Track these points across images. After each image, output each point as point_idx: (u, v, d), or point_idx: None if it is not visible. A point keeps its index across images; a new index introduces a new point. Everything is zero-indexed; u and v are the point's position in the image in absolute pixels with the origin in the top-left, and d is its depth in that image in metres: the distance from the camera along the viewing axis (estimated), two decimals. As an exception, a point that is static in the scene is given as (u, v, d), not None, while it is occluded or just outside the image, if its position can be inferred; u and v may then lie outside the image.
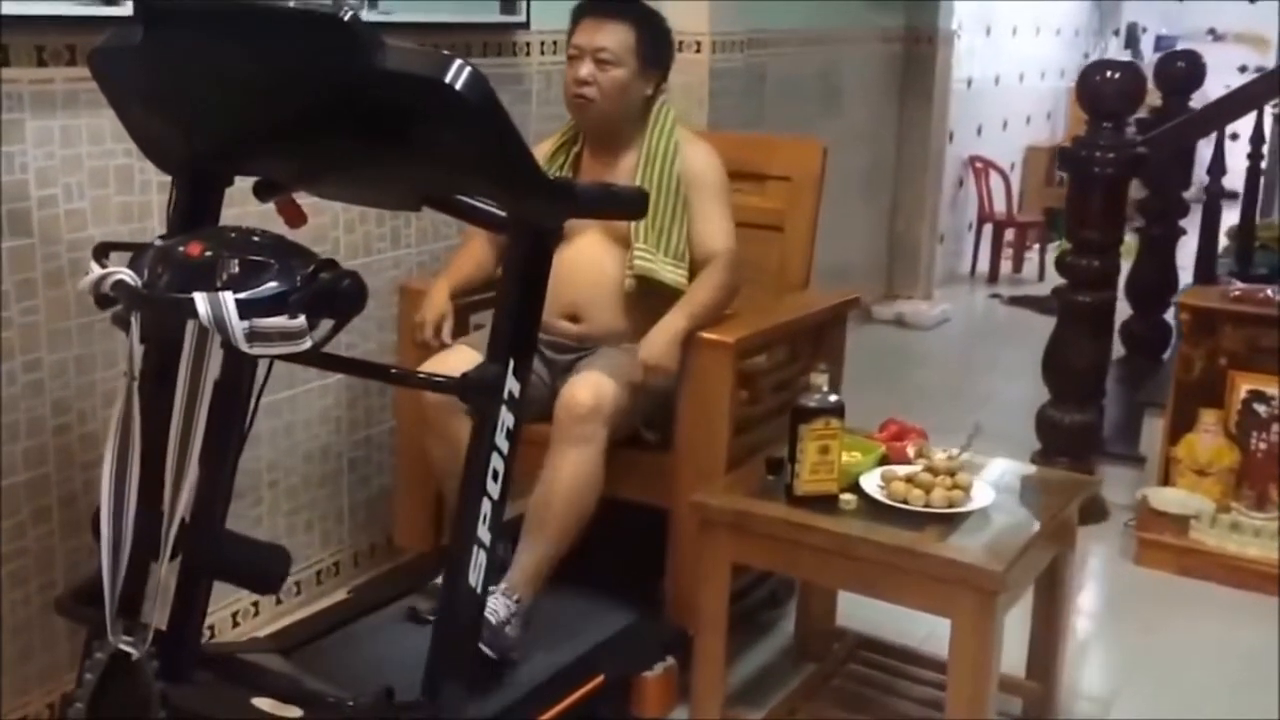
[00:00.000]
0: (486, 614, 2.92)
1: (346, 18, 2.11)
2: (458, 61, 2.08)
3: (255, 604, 3.44)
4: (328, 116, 2.20)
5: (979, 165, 8.56)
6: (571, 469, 3.01)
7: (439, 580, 3.03)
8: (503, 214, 2.38)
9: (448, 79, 2.07)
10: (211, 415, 2.22)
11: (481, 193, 2.38)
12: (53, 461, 2.86)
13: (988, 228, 8.71)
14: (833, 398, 2.84)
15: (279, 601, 3.51)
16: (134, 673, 2.29)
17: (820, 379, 2.85)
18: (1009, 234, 8.76)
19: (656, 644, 3.13)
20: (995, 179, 8.68)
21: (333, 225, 3.49)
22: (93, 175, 2.86)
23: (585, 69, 3.20)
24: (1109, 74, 4.38)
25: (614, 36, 3.19)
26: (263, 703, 2.38)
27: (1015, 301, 7.89)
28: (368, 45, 2.09)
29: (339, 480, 3.67)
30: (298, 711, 2.37)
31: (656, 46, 3.27)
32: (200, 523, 2.37)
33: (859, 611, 3.39)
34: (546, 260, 2.43)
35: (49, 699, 2.90)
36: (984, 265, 8.68)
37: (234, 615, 3.39)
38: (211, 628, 3.29)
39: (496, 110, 2.14)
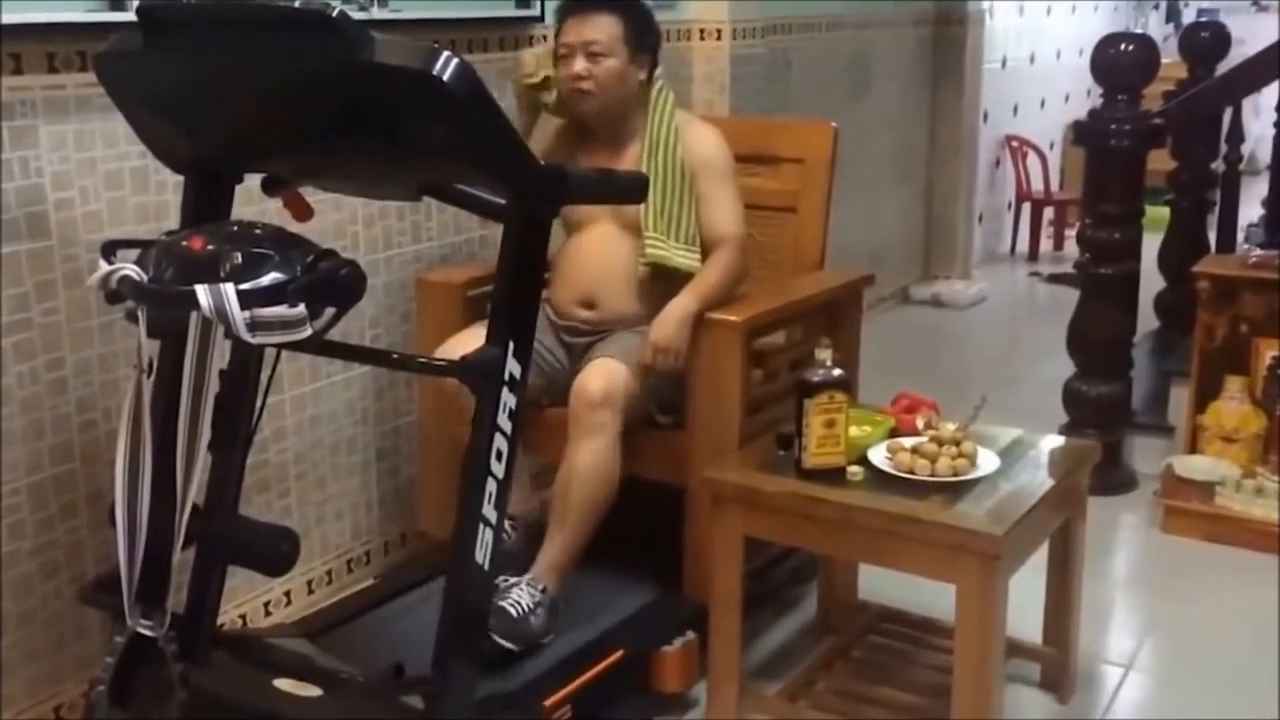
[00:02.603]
0: (507, 606, 2.99)
1: (334, 14, 2.16)
2: (445, 54, 2.11)
3: (287, 593, 3.51)
4: (322, 112, 2.25)
5: (1015, 144, 8.54)
6: (586, 459, 3.08)
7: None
8: (501, 202, 2.43)
9: (435, 71, 2.10)
10: (220, 404, 2.30)
11: (475, 182, 2.42)
12: (79, 457, 2.93)
13: (1027, 207, 8.71)
14: (836, 372, 2.87)
15: (311, 591, 3.58)
16: (154, 655, 2.36)
17: (824, 354, 2.88)
18: (1048, 212, 8.74)
19: (676, 619, 3.16)
20: (1033, 158, 8.66)
21: (351, 220, 3.55)
22: (108, 177, 2.93)
23: (579, 64, 3.24)
24: (1122, 46, 4.38)
25: (602, 28, 3.24)
26: (282, 682, 2.45)
27: (1054, 279, 7.83)
28: (356, 41, 2.12)
29: (368, 471, 3.73)
30: (317, 690, 2.44)
31: (642, 32, 3.31)
32: (213, 509, 2.44)
33: (881, 585, 3.44)
34: (543, 245, 2.47)
35: (82, 688, 2.96)
36: (1024, 244, 8.67)
37: (266, 605, 3.46)
38: (244, 616, 3.38)
39: (485, 100, 2.18)
